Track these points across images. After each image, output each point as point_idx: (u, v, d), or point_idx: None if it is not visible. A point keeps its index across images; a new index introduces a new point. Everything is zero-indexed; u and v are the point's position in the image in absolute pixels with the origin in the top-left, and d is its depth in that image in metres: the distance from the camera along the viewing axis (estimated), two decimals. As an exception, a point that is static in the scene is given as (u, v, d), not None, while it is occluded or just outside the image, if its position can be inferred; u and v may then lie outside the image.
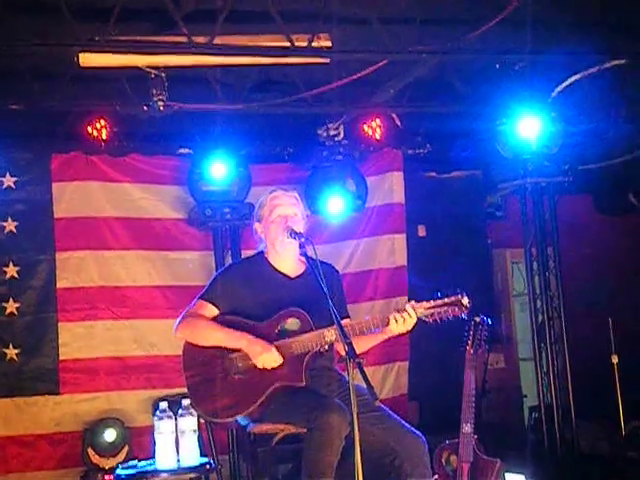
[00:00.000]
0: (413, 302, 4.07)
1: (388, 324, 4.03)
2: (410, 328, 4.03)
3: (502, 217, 8.92)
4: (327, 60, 6.04)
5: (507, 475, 5.40)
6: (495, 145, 7.51)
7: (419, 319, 4.03)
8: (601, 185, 8.47)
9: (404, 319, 3.98)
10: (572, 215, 8.32)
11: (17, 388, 7.07)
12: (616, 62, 6.22)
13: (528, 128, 7.04)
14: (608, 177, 8.21)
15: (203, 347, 4.24)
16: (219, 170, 7.30)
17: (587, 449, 7.25)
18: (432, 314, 4.02)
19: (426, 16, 5.88)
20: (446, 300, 4.02)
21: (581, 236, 8.59)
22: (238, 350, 4.17)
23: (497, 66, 6.54)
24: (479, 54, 6.13)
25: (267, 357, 4.09)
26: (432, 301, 4.03)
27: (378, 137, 7.71)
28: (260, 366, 4.10)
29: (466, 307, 4.00)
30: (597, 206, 8.87)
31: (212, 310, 4.30)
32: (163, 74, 6.04)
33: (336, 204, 7.71)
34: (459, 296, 4.02)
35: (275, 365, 4.10)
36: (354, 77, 6.26)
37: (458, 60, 6.42)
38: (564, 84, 6.55)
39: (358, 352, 3.53)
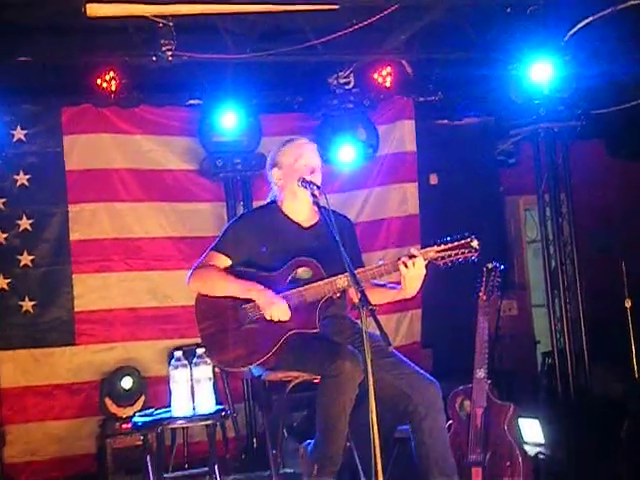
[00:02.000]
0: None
1: (398, 269, 4.03)
2: (421, 274, 4.02)
3: (514, 164, 8.86)
4: (336, 7, 5.98)
5: (520, 420, 5.43)
6: (507, 91, 7.44)
7: (430, 262, 4.03)
8: (615, 129, 8.40)
9: (413, 262, 3.98)
10: (585, 160, 8.26)
11: (34, 339, 7.14)
12: (631, 3, 6.13)
13: (540, 72, 6.96)
14: (622, 121, 8.13)
15: (216, 298, 4.25)
16: (229, 120, 7.28)
17: (600, 393, 7.29)
18: (442, 257, 4.02)
19: (436, -41, 5.82)
20: (456, 243, 4.02)
21: (594, 181, 8.54)
22: (250, 300, 4.19)
23: (508, 10, 6.46)
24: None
25: (276, 309, 4.09)
26: (442, 244, 4.03)
27: (389, 85, 7.66)
28: (269, 317, 4.11)
29: (476, 250, 4.00)
30: (610, 151, 8.79)
31: (224, 261, 4.30)
32: (171, 23, 6.01)
33: (347, 153, 7.68)
34: (468, 239, 4.02)
35: (284, 318, 4.10)
36: (364, 24, 6.20)
37: (469, 4, 6.35)
38: (577, 27, 6.46)
39: (372, 304, 3.53)
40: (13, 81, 6.92)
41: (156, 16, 5.93)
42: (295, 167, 4.32)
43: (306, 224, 4.39)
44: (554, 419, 6.29)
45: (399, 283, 4.12)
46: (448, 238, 4.04)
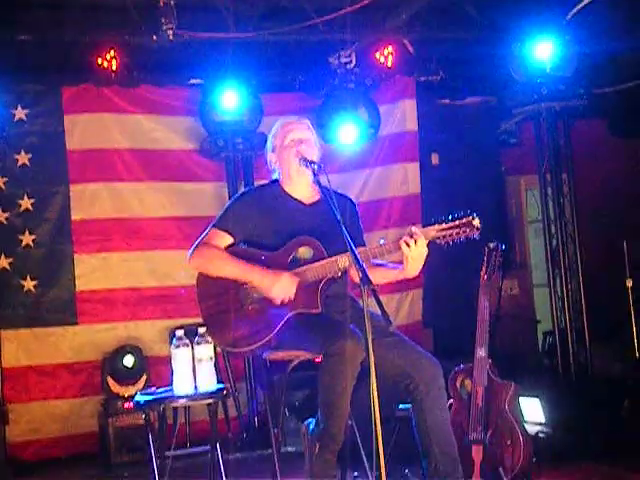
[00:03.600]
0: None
1: (399, 248, 4.03)
2: (423, 253, 4.02)
3: (516, 144, 8.86)
4: (338, -15, 5.96)
5: (521, 398, 5.45)
6: (509, 70, 7.41)
7: (431, 241, 4.03)
8: (617, 108, 8.37)
9: (415, 241, 3.98)
10: (587, 140, 8.25)
11: (36, 319, 7.16)
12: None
13: (542, 51, 6.94)
14: (624, 100, 8.11)
15: (217, 278, 4.26)
16: (230, 100, 7.27)
17: (601, 372, 7.31)
18: (444, 235, 4.01)
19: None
20: (457, 222, 4.01)
21: (596, 161, 8.53)
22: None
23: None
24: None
25: (280, 285, 4.09)
26: (443, 223, 4.02)
27: (390, 64, 7.65)
28: (274, 297, 4.11)
29: (477, 228, 4.00)
30: (612, 129, 8.77)
31: (226, 238, 4.29)
32: (172, 2, 5.99)
33: (348, 133, 7.67)
34: (470, 217, 4.01)
35: (290, 294, 4.10)
36: (365, 2, 6.17)
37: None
38: (579, 6, 6.43)
39: (374, 284, 3.53)
40: (13, 60, 6.92)
41: (157, -6, 5.92)
42: (284, 145, 4.34)
43: (307, 202, 4.39)
44: (555, 398, 6.31)
45: (401, 262, 4.12)
46: (450, 217, 4.04)
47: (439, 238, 4.03)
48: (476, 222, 4.00)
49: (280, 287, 4.10)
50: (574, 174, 7.75)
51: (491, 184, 8.96)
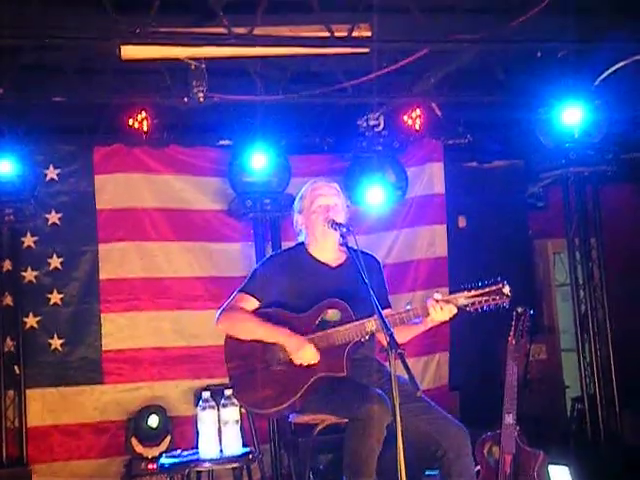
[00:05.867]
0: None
1: (428, 314, 4.00)
2: (451, 317, 4.00)
3: (543, 207, 8.83)
4: (367, 50, 6.02)
5: (550, 467, 5.36)
6: (537, 134, 7.43)
7: (460, 308, 3.98)
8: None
9: (442, 308, 3.95)
10: (615, 204, 8.22)
11: (62, 378, 7.16)
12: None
13: (571, 116, 6.95)
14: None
15: (245, 339, 4.25)
16: (259, 161, 7.31)
17: (631, 441, 7.17)
18: (473, 303, 3.96)
19: (467, 4, 5.85)
20: (487, 289, 3.96)
21: (624, 225, 8.48)
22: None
23: (539, 54, 6.47)
24: (521, 43, 6.07)
25: (303, 354, 4.10)
26: (473, 290, 3.97)
27: (418, 127, 7.69)
28: (297, 362, 4.11)
29: (507, 296, 3.94)
30: (641, 194, 8.75)
31: (252, 302, 4.30)
32: (203, 65, 6.07)
33: (376, 195, 7.68)
34: (500, 285, 3.96)
35: (312, 362, 4.10)
36: (394, 67, 6.23)
37: (499, 49, 6.37)
38: (608, 72, 6.46)
39: (399, 342, 3.52)
40: (46, 121, 7.04)
41: (189, 58, 6.00)
42: (312, 210, 4.36)
43: (333, 264, 4.39)
44: (585, 467, 6.19)
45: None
46: (479, 283, 3.98)
47: (468, 305, 3.98)
48: (506, 290, 3.94)
49: (303, 355, 4.10)
50: (602, 238, 7.71)
51: (518, 247, 8.92)
